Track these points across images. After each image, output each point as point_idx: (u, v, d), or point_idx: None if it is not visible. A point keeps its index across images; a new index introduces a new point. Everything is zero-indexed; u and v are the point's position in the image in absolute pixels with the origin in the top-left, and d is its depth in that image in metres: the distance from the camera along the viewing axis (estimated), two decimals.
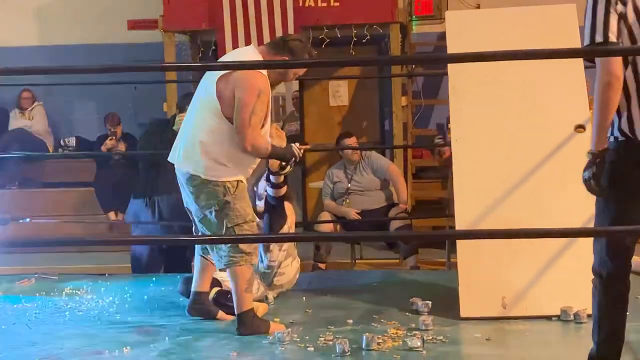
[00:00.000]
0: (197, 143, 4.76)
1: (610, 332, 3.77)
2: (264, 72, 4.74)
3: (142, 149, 7.12)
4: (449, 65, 5.48)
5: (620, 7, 3.58)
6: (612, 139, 3.69)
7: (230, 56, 5.50)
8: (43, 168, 10.83)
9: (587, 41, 3.61)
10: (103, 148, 9.85)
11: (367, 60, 10.29)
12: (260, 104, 4.69)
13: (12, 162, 10.36)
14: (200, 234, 4.93)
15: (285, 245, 5.59)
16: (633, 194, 3.68)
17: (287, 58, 4.80)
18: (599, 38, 3.56)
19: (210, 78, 4.79)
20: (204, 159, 4.74)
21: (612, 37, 3.56)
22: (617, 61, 3.56)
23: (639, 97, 3.64)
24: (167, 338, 4.79)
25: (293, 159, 4.99)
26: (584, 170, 3.62)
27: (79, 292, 5.91)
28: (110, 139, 9.85)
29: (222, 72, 4.70)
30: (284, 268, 5.60)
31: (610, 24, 3.56)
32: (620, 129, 3.67)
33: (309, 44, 5.06)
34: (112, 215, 9.59)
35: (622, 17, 3.59)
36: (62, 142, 10.84)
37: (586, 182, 3.62)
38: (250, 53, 4.91)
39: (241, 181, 4.82)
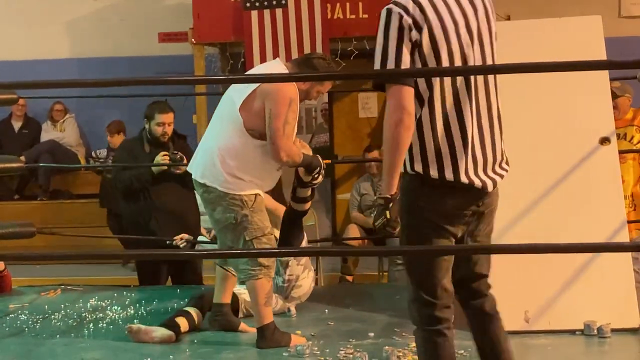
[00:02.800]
0: (216, 156, 4.73)
1: None
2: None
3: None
4: None
5: (415, 34, 3.23)
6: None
7: (256, 71, 5.48)
8: (74, 180, 10.93)
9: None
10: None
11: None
12: (292, 113, 4.65)
13: (44, 174, 10.46)
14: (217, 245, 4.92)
15: (303, 260, 5.56)
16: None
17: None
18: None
19: (236, 92, 4.75)
20: (222, 172, 4.71)
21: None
22: (410, 97, 3.24)
23: (434, 138, 3.28)
24: (187, 350, 4.79)
25: (318, 168, 4.97)
26: (377, 217, 3.36)
27: (103, 304, 5.93)
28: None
29: (250, 91, 4.66)
30: (301, 281, 5.57)
31: (403, 60, 3.22)
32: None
33: (332, 62, 5.04)
34: None
35: (417, 45, 3.25)
36: (93, 154, 10.93)
37: (381, 229, 3.38)
38: (276, 68, 4.88)
39: (259, 195, 4.80)
